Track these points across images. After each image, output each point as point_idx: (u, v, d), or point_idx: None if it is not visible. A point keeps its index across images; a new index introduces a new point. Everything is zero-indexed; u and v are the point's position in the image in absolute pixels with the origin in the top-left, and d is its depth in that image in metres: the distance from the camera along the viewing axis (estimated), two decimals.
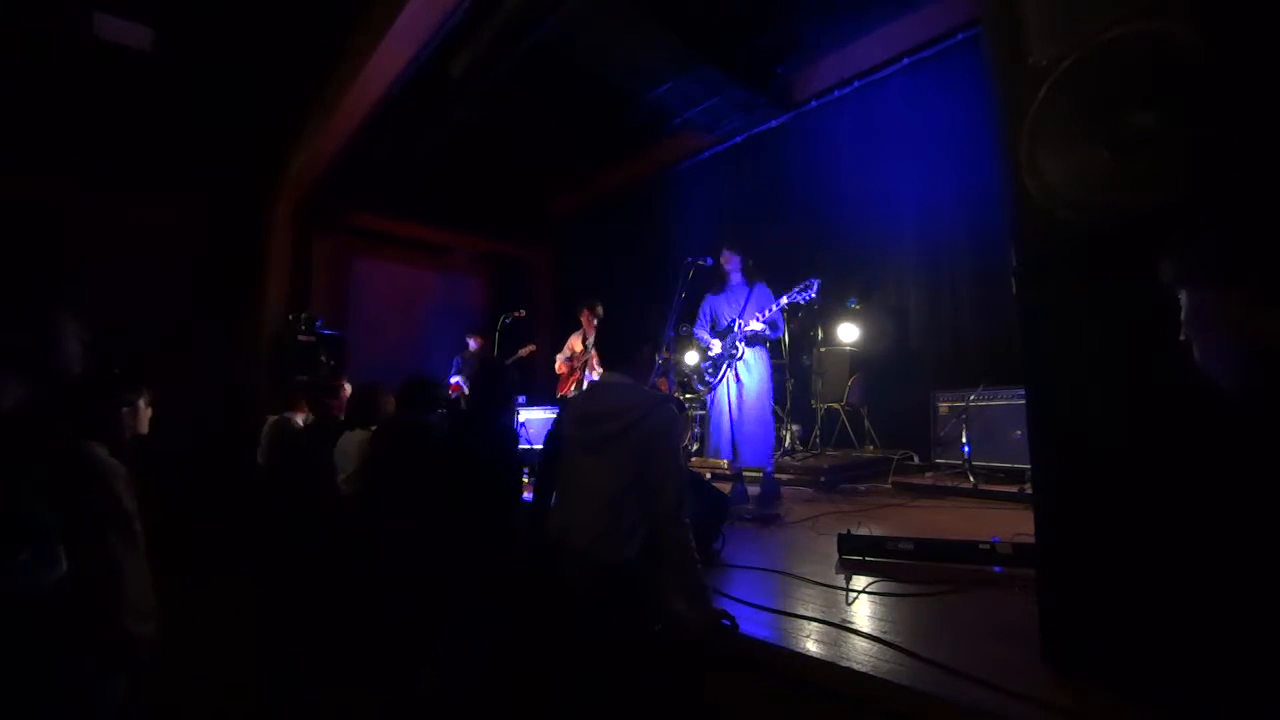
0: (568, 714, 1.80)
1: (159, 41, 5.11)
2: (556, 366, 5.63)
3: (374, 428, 3.25)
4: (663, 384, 3.37)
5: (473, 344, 7.05)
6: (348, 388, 3.82)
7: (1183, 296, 0.93)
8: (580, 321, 5.56)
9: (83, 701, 1.11)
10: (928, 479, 4.20)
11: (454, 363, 6.96)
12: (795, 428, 5.34)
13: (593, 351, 5.34)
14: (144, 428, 1.88)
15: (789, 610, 1.87)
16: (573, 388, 5.46)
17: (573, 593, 1.79)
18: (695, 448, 5.15)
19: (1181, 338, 0.93)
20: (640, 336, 2.10)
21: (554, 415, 5.68)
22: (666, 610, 1.82)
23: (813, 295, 3.67)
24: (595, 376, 5.23)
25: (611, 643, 1.73)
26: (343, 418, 3.63)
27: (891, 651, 1.54)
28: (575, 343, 5.57)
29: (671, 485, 1.79)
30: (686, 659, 1.79)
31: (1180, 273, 0.93)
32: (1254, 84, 1.07)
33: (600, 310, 5.49)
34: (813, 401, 5.50)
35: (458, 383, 6.63)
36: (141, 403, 1.85)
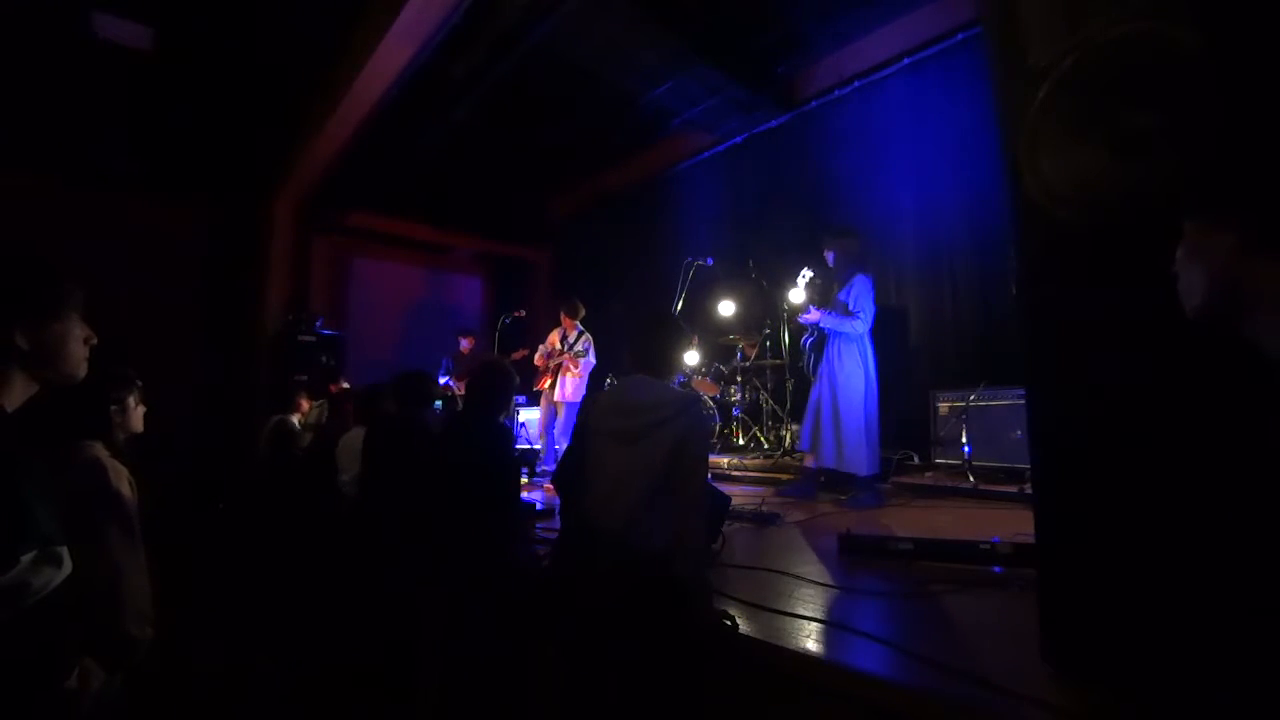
0: (600, 702, 1.79)
1: (159, 41, 5.11)
2: (535, 359, 5.68)
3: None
4: None
5: (464, 344, 6.95)
6: None
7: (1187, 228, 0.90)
8: (560, 320, 5.63)
9: (79, 703, 1.11)
10: (928, 479, 4.20)
11: (444, 363, 6.85)
12: (796, 427, 5.34)
13: (567, 354, 5.37)
14: (138, 426, 1.86)
15: (789, 610, 1.87)
16: (547, 384, 5.52)
17: (607, 577, 1.79)
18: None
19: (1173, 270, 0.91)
20: (675, 350, 2.11)
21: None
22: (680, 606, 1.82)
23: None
24: (568, 379, 5.32)
25: (650, 630, 1.72)
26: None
27: (891, 651, 1.54)
28: (554, 339, 5.62)
29: (696, 482, 1.84)
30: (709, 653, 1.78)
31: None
32: (1254, 84, 1.07)
33: (581, 311, 5.56)
34: None
35: (447, 383, 6.58)
36: (131, 401, 1.83)
